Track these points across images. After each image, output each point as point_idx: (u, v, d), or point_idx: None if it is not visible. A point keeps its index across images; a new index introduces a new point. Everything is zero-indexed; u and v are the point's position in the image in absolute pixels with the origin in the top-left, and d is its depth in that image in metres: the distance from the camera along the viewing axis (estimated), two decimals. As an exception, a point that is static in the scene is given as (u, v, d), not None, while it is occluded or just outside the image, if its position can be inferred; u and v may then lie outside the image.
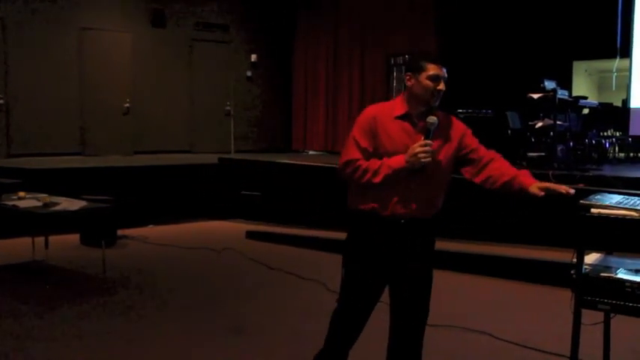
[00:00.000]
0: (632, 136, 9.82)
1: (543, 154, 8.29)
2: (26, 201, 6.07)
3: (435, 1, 10.92)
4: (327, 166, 8.81)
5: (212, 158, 10.46)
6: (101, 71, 11.21)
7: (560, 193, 2.75)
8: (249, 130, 13.14)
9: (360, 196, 2.93)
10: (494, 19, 10.27)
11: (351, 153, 2.89)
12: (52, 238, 6.67)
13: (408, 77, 2.91)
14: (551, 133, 8.28)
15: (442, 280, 6.24)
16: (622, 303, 2.64)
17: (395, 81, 10.63)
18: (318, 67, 12.90)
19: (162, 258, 7.11)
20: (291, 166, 9.66)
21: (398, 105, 2.93)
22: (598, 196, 2.96)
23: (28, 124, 10.46)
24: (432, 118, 2.80)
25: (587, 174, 7.10)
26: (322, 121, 12.85)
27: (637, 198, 2.89)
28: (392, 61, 10.78)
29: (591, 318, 2.95)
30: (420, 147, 2.74)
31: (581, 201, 2.83)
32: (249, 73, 13.03)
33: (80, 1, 10.96)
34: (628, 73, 9.76)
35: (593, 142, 9.59)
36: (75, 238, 7.63)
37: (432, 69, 2.83)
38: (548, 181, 6.88)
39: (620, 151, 10.19)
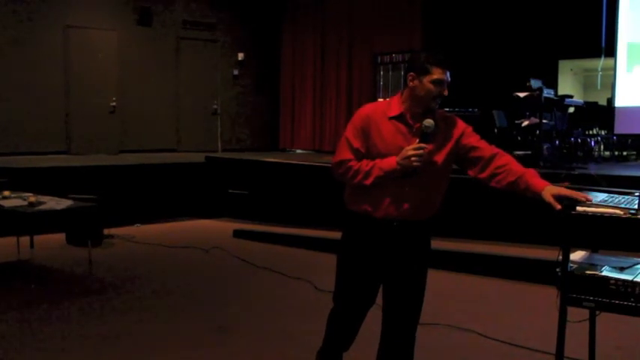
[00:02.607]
0: (617, 135, 9.91)
1: (529, 152, 8.34)
2: (11, 200, 6.02)
3: (422, 0, 10.95)
4: (315, 165, 8.82)
5: (199, 157, 10.43)
6: (87, 69, 11.14)
7: (579, 201, 2.63)
8: (236, 128, 13.12)
9: (354, 197, 2.91)
10: (481, 19, 10.32)
11: (343, 153, 2.85)
12: (37, 238, 6.63)
13: (411, 77, 2.79)
14: (537, 132, 8.33)
15: (430, 279, 6.26)
16: (607, 300, 2.66)
17: (382, 79, 10.65)
18: (306, 66, 12.89)
19: (149, 257, 7.08)
20: (278, 164, 9.65)
21: (394, 104, 2.85)
22: (583, 195, 2.98)
23: (13, 122, 10.37)
24: (429, 122, 2.72)
25: (572, 172, 7.15)
26: (309, 119, 12.86)
27: (622, 196, 2.91)
28: (379, 60, 10.81)
29: (577, 315, 2.97)
30: (412, 150, 2.69)
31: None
32: (235, 72, 13.00)
33: (66, -1, 10.90)
34: (613, 72, 9.84)
35: (579, 140, 9.66)
36: (61, 237, 7.57)
37: (437, 73, 2.75)
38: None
39: (605, 150, 10.28)
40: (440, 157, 2.81)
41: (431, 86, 2.75)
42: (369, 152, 2.82)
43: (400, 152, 2.72)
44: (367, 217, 2.86)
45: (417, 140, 2.73)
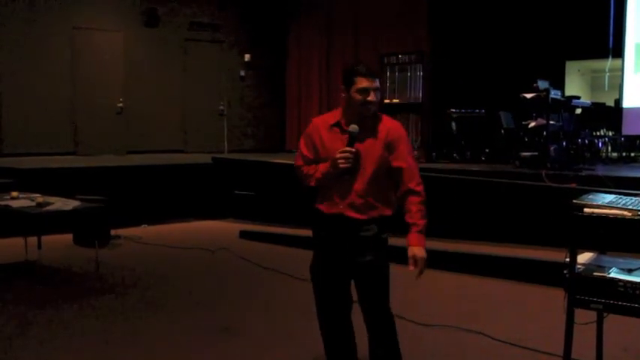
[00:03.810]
0: (624, 136, 9.86)
1: (536, 153, 8.31)
2: (19, 201, 6.05)
3: (429, 1, 10.93)
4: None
5: (205, 158, 10.44)
6: (94, 71, 11.18)
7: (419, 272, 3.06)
8: (243, 129, 13.13)
9: (315, 197, 3.27)
10: (488, 19, 10.30)
11: (296, 161, 3.31)
12: (44, 238, 6.65)
13: (341, 90, 3.14)
14: (544, 133, 8.30)
15: (434, 280, 6.24)
16: (615, 302, 2.65)
17: (388, 81, 10.63)
18: (312, 67, 12.89)
19: (156, 258, 7.10)
20: (284, 165, 9.65)
21: (335, 115, 3.21)
22: (591, 196, 2.97)
23: (21, 123, 10.42)
24: (353, 127, 3.02)
25: (579, 173, 7.13)
26: (316, 120, 12.84)
27: (629, 198, 2.90)
28: (385, 61, 10.78)
29: (584, 317, 2.96)
30: (339, 153, 3.01)
31: (574, 200, 2.84)
32: (242, 73, 13.01)
33: (73, 1, 10.92)
34: (620, 73, 9.80)
35: (586, 141, 9.63)
36: (68, 238, 7.59)
37: (360, 82, 3.05)
38: (542, 181, 6.95)
39: (612, 151, 10.23)
40: (373, 159, 3.09)
41: (357, 95, 3.05)
42: (318, 158, 3.20)
43: None
44: (322, 214, 3.21)
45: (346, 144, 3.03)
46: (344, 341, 3.33)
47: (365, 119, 3.08)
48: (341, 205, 3.13)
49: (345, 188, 3.10)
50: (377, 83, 3.08)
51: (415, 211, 3.09)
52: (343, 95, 3.13)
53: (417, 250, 3.04)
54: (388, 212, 3.17)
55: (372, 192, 3.11)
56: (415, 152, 9.52)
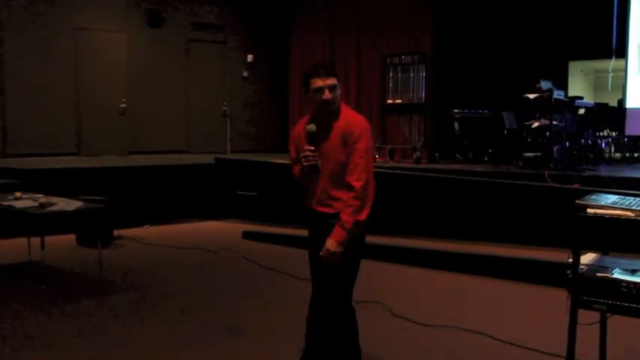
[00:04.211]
0: (627, 136, 9.84)
1: (539, 154, 8.30)
2: (22, 201, 6.06)
3: (432, 1, 10.92)
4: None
5: (208, 158, 10.45)
6: (97, 71, 11.19)
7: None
8: (246, 130, 13.13)
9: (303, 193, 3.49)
10: (491, 20, 10.29)
11: (290, 161, 3.54)
12: (48, 239, 6.66)
13: (304, 92, 3.36)
14: (547, 133, 8.29)
15: (438, 281, 6.23)
16: (618, 303, 2.65)
17: (391, 81, 10.62)
18: (315, 68, 12.87)
19: (159, 258, 7.10)
20: (287, 166, 9.64)
21: (308, 116, 3.41)
22: (594, 197, 2.96)
23: (24, 124, 10.44)
24: (310, 127, 3.24)
25: (583, 174, 7.12)
26: (318, 121, 12.83)
27: (633, 198, 2.89)
28: (388, 61, 10.77)
29: (587, 318, 2.96)
30: (302, 152, 3.25)
31: (577, 201, 2.83)
32: (245, 74, 13.02)
33: (75, 2, 10.94)
34: (624, 74, 9.78)
35: (589, 142, 9.61)
36: (71, 238, 7.61)
37: (314, 82, 3.24)
38: (544, 181, 6.94)
39: (616, 152, 10.21)
40: (333, 154, 3.25)
41: (315, 95, 3.25)
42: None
43: None
44: (306, 209, 3.44)
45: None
46: (318, 330, 3.46)
47: (329, 117, 3.25)
48: (313, 201, 3.36)
49: (315, 185, 3.32)
50: (331, 81, 3.22)
51: (345, 207, 3.18)
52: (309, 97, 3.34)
53: (329, 244, 3.17)
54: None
55: (335, 186, 3.25)
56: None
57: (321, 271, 3.33)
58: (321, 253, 3.19)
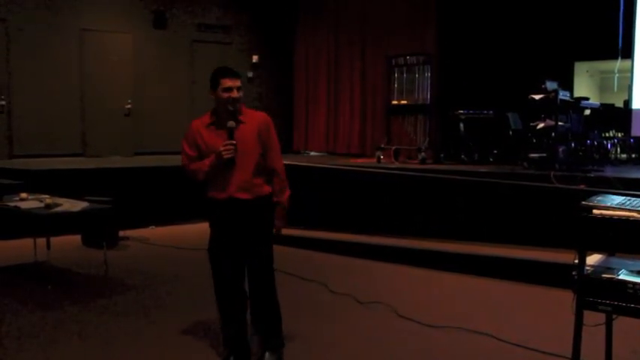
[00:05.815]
0: (634, 137, 9.81)
1: (545, 154, 8.28)
2: (28, 202, 6.07)
3: (437, 1, 10.92)
4: (327, 167, 8.81)
5: (213, 159, 10.43)
6: (102, 72, 11.22)
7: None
8: (251, 131, 13.12)
9: (207, 187, 3.79)
10: (496, 20, 10.27)
11: (182, 160, 3.83)
12: (53, 239, 6.68)
13: (211, 92, 3.70)
14: (553, 134, 8.27)
15: (443, 282, 6.23)
16: (624, 304, 2.64)
17: (396, 82, 10.61)
18: (319, 68, 12.89)
19: (164, 259, 7.12)
20: (291, 167, 9.65)
21: (209, 116, 3.77)
22: (600, 198, 2.96)
23: (29, 125, 10.47)
24: (231, 123, 3.61)
25: (588, 175, 7.10)
26: (323, 121, 12.84)
27: (639, 199, 2.88)
28: (393, 62, 10.76)
29: (593, 319, 2.95)
30: (222, 146, 3.58)
31: (583, 202, 2.83)
32: (250, 74, 13.02)
33: (81, 3, 10.97)
34: (630, 74, 9.74)
35: (595, 143, 9.58)
36: (76, 239, 7.63)
37: (224, 82, 3.64)
38: (550, 182, 6.92)
39: (621, 152, 10.17)
40: (248, 146, 3.68)
41: (223, 94, 3.65)
42: (201, 155, 3.73)
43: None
44: (214, 200, 3.74)
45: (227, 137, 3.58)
46: (240, 306, 3.95)
47: (234, 114, 3.65)
48: (231, 189, 3.67)
49: (229, 175, 3.65)
50: (239, 82, 3.68)
51: (278, 190, 3.83)
52: (212, 96, 3.70)
53: (282, 222, 3.92)
54: (268, 189, 3.80)
55: (253, 174, 3.72)
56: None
57: (256, 247, 3.80)
58: (275, 230, 3.83)
